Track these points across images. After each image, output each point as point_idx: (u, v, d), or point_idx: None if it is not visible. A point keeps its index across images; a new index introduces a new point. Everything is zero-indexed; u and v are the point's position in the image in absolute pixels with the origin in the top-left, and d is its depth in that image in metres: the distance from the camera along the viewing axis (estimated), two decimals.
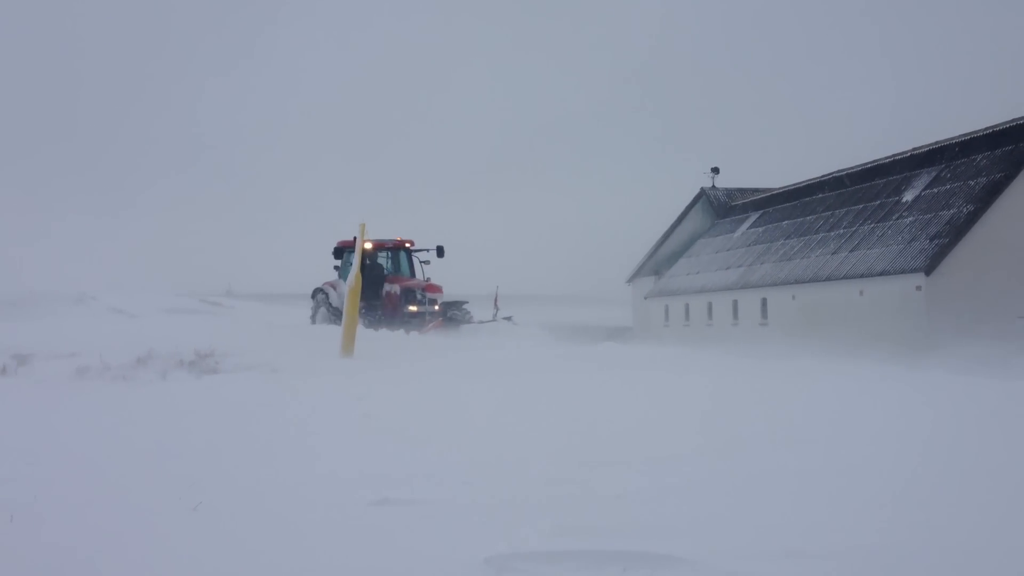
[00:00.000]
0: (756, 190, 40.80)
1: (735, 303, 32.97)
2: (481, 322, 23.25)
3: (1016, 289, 22.74)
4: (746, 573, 3.92)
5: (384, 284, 24.87)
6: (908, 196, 27.35)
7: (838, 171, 33.08)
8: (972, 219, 23.63)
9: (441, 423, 7.36)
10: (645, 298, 41.31)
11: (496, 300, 24.85)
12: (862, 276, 25.90)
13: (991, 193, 23.84)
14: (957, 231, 23.61)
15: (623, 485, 5.42)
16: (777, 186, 37.94)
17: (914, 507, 4.96)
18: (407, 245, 25.88)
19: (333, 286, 25.00)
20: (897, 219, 26.77)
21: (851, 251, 27.56)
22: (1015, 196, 23.69)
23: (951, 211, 24.62)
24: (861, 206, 29.55)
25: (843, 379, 9.41)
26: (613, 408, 7.76)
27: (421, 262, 25.53)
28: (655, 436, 6.78)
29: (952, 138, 27.57)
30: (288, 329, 18.89)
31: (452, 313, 23.69)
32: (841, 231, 29.29)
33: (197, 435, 7.09)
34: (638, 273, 44.58)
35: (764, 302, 31.06)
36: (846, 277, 26.60)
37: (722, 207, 42.04)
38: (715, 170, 43.64)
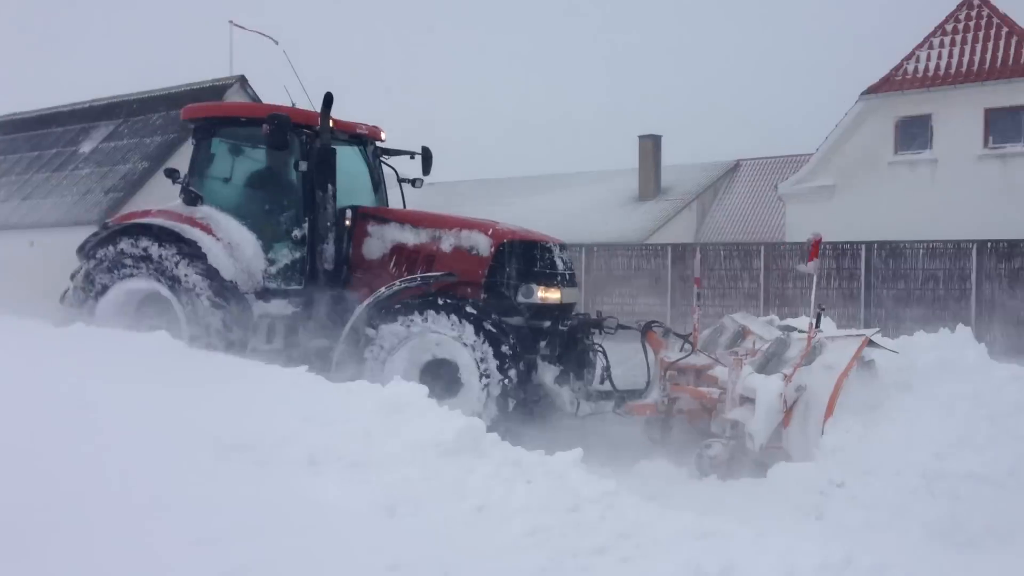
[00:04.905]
0: None
1: None
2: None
3: None
4: None
5: (354, 227, 10.22)
6: (86, 148, 26.92)
7: (11, 115, 30.88)
8: (147, 174, 24.34)
9: None
10: None
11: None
12: (33, 227, 24.69)
13: (166, 151, 24.87)
14: (132, 185, 24.07)
15: None
16: None
17: None
18: (382, 138, 11.30)
19: (207, 225, 9.78)
20: (74, 170, 26.21)
21: (23, 200, 26.05)
22: (187, 155, 25.08)
23: (127, 166, 25.00)
24: (36, 154, 28.13)
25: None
26: None
27: (400, 180, 11.44)
28: None
29: (131, 95, 28.00)
30: None
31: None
32: (13, 178, 27.49)
33: None
34: None
35: None
36: (15, 227, 25.08)
37: None
38: None
